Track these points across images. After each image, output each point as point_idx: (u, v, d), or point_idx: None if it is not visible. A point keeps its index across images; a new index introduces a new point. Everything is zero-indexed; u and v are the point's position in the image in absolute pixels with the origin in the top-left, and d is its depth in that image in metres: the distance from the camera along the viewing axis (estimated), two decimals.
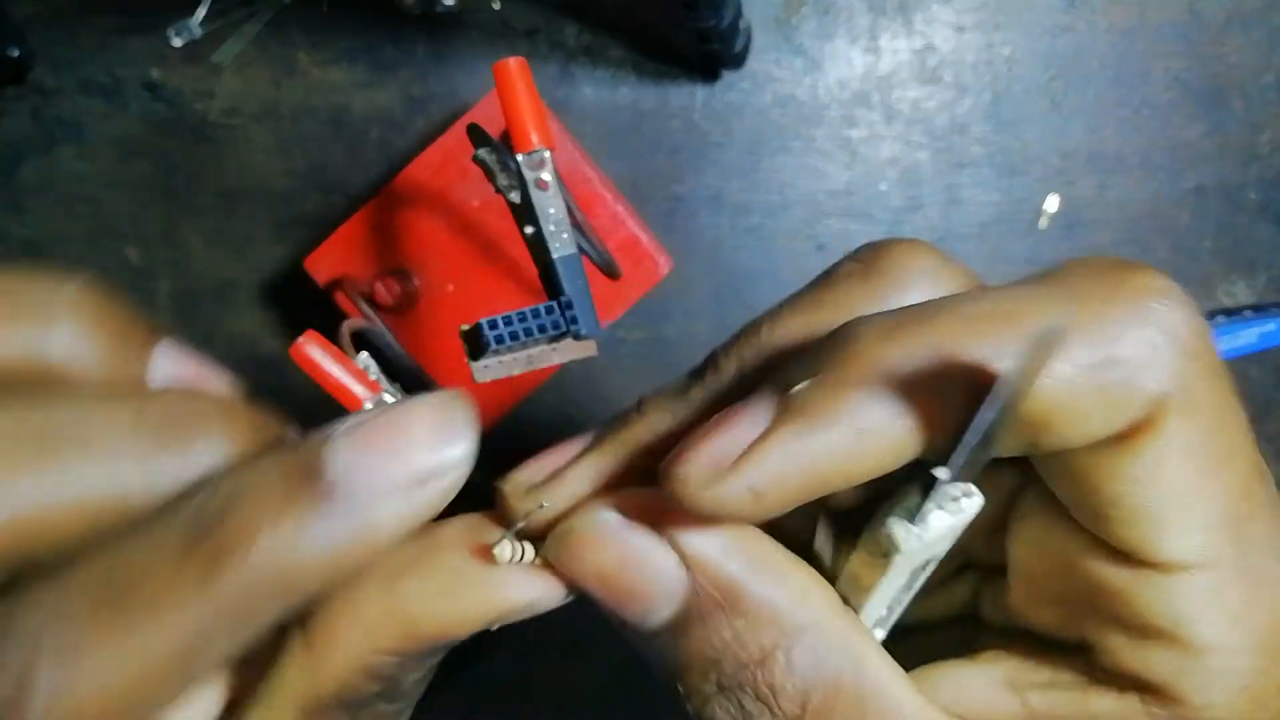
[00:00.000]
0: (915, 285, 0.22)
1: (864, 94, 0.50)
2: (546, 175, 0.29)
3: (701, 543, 0.21)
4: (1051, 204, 0.50)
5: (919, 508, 0.19)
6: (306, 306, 0.50)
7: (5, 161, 0.51)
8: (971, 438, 0.17)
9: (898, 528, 0.19)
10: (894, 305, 0.21)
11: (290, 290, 0.51)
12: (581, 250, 0.31)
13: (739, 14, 0.45)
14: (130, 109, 0.51)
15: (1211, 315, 0.51)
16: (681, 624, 0.21)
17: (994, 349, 0.18)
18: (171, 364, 0.22)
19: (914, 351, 0.19)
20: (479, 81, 0.50)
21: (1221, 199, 0.51)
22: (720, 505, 0.19)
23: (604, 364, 0.52)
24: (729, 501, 0.19)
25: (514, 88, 0.29)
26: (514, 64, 0.29)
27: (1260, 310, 0.51)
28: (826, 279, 0.23)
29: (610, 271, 0.40)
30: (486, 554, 0.21)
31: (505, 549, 0.21)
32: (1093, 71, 0.50)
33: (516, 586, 0.22)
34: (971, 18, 0.50)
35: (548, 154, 0.29)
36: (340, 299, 0.43)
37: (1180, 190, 0.51)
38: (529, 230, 0.30)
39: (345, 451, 0.18)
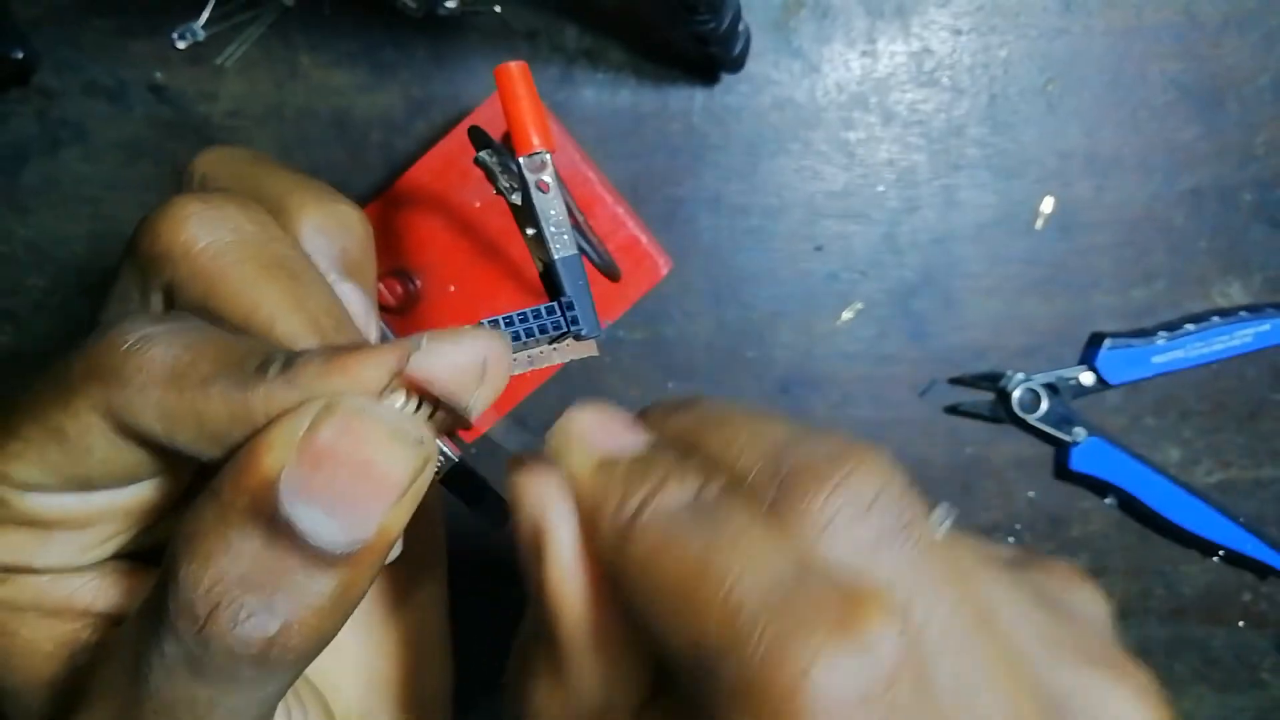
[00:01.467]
0: None
1: (861, 97, 0.51)
2: (547, 177, 0.29)
3: None
4: (1047, 205, 0.51)
5: None
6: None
7: (9, 163, 0.51)
8: None
9: None
10: None
11: None
12: (582, 251, 0.31)
13: (738, 17, 0.45)
14: (134, 111, 0.51)
15: (1207, 316, 0.51)
16: None
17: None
18: (347, 300, 0.27)
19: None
20: (480, 84, 0.50)
21: (1217, 200, 0.51)
22: None
23: (604, 364, 0.52)
24: None
25: (515, 91, 0.29)
26: (515, 67, 0.30)
27: (1255, 311, 0.51)
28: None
29: (610, 273, 0.40)
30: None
31: (397, 397, 0.22)
32: (1089, 74, 0.51)
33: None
34: (968, 21, 0.50)
35: (549, 156, 0.29)
36: None
37: (1176, 192, 0.51)
38: (530, 232, 0.30)
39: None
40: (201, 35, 0.50)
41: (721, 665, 0.19)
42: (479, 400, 0.23)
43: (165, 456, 0.23)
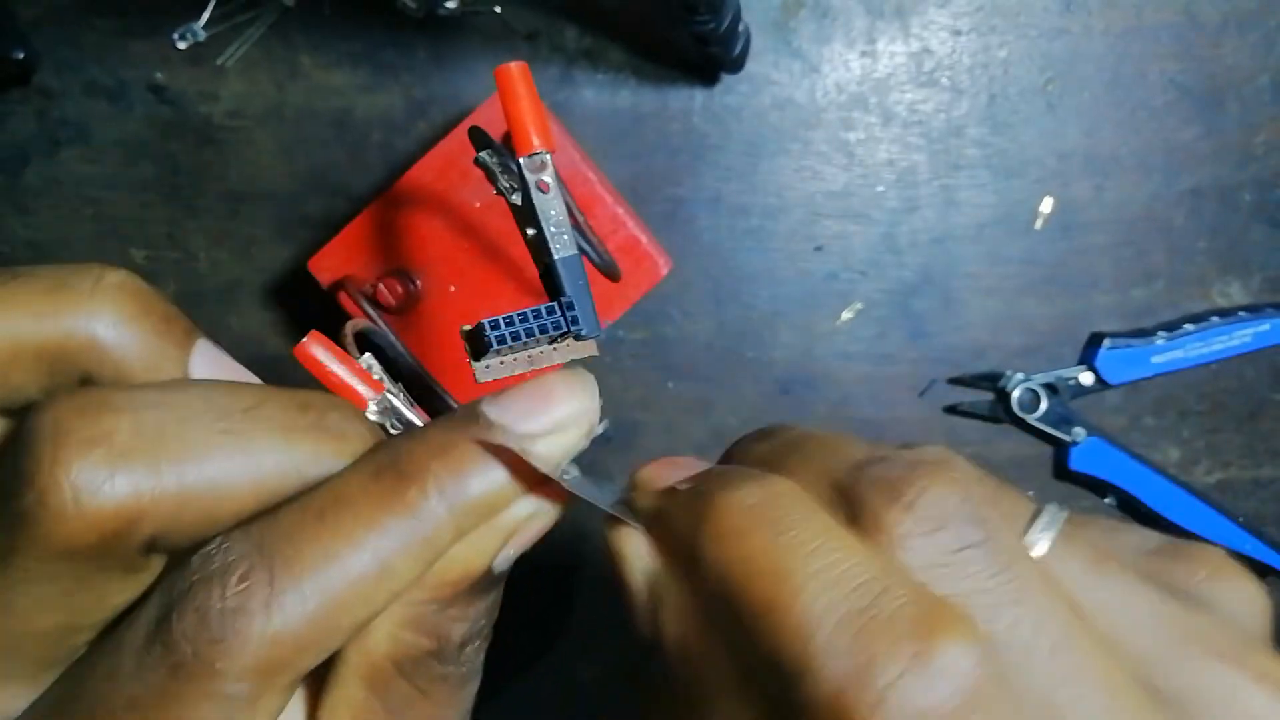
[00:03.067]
0: None
1: (861, 97, 0.51)
2: (547, 177, 0.29)
3: None
4: (1046, 206, 0.51)
5: None
6: (310, 307, 0.51)
7: (10, 163, 0.52)
8: None
9: None
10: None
11: (294, 291, 0.52)
12: (582, 252, 0.31)
13: (738, 18, 0.45)
14: (135, 111, 0.51)
15: (1206, 316, 0.51)
16: None
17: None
18: (209, 362, 0.24)
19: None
20: (480, 84, 0.50)
21: (1217, 200, 0.51)
22: None
23: (604, 364, 0.52)
24: None
25: (515, 91, 0.29)
26: (515, 68, 0.30)
27: (1254, 311, 0.51)
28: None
29: (610, 273, 0.40)
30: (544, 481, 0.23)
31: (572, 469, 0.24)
32: (1089, 74, 0.51)
33: (518, 500, 0.23)
34: (968, 21, 0.50)
35: (549, 156, 0.29)
36: (343, 300, 0.44)
37: (1176, 192, 0.51)
38: (530, 232, 0.30)
39: (498, 406, 0.23)
40: (202, 35, 0.50)
41: (801, 683, 0.19)
42: None
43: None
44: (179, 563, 0.21)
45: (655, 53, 0.50)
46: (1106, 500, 0.53)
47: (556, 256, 0.30)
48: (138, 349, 0.23)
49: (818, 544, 0.20)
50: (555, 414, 0.23)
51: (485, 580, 0.23)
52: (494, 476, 0.22)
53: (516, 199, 0.30)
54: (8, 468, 0.20)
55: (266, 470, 0.22)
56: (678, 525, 0.22)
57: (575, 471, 0.24)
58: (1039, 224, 0.51)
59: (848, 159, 0.51)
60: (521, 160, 0.30)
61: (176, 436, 0.21)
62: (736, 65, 0.49)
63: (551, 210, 0.30)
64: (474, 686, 0.25)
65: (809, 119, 0.51)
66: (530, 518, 0.23)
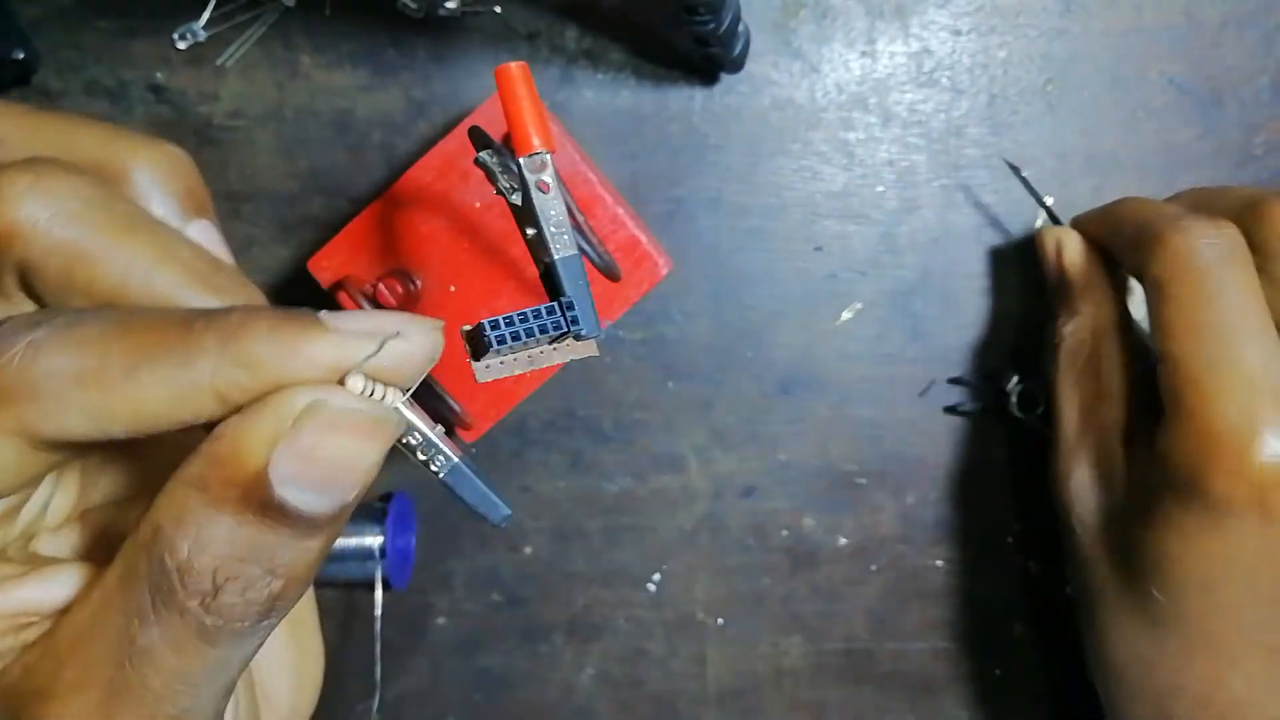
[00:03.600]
0: None
1: (861, 97, 0.51)
2: (547, 178, 0.29)
3: None
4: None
5: None
6: (311, 307, 0.51)
7: None
8: None
9: None
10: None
11: (294, 291, 0.52)
12: (582, 252, 0.31)
13: (738, 18, 0.45)
14: (135, 111, 0.51)
15: None
16: None
17: None
18: (201, 232, 0.29)
19: None
20: (480, 84, 0.51)
21: None
22: None
23: (604, 363, 0.52)
24: None
25: (515, 91, 0.29)
26: (515, 68, 0.30)
27: None
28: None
29: (610, 273, 0.40)
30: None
31: (357, 381, 0.24)
32: (1088, 74, 0.51)
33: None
34: (968, 21, 0.50)
35: (549, 157, 0.30)
36: (343, 300, 0.44)
37: (1174, 191, 0.51)
38: (530, 232, 0.30)
39: (334, 316, 0.24)
40: (202, 36, 0.50)
41: (1147, 253, 0.39)
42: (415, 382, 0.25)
43: (71, 449, 0.24)
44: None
45: (655, 53, 0.50)
46: None
47: (556, 256, 0.30)
48: (157, 197, 0.27)
49: (1165, 208, 0.44)
50: (373, 323, 0.24)
51: (262, 496, 0.22)
52: (277, 338, 0.22)
53: (516, 199, 0.30)
54: None
55: (137, 274, 0.25)
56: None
57: (401, 407, 0.25)
58: (1039, 223, 0.51)
59: (848, 159, 0.51)
60: (522, 160, 0.30)
61: (104, 211, 0.25)
62: (736, 65, 0.49)
63: (551, 210, 0.30)
64: (220, 670, 0.23)
65: (809, 119, 0.51)
66: (305, 415, 0.22)
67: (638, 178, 0.51)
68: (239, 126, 0.51)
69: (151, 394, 0.22)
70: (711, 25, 0.43)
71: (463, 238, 0.45)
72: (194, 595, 0.22)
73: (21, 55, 0.49)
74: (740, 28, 0.47)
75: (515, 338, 0.28)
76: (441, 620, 0.55)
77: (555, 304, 0.29)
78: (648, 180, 0.51)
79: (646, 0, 0.49)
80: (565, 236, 0.30)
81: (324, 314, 0.24)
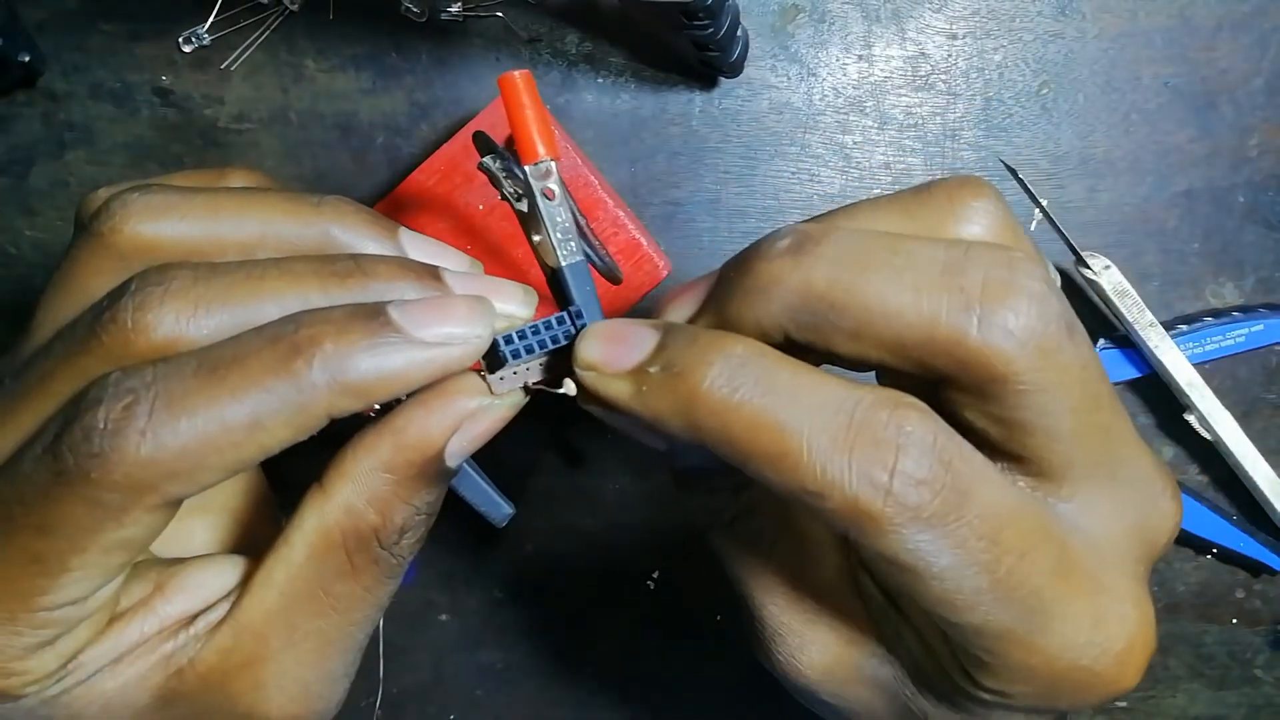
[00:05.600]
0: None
1: (858, 101, 0.51)
2: (553, 185, 0.30)
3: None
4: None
5: None
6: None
7: (17, 165, 0.52)
8: None
9: None
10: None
11: None
12: (585, 256, 0.31)
13: (736, 23, 0.46)
14: (140, 114, 0.51)
15: (1200, 316, 0.52)
16: None
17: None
18: (411, 240, 0.31)
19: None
20: (483, 88, 0.51)
21: (1210, 202, 0.52)
22: None
23: None
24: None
25: (520, 100, 0.30)
26: (520, 76, 0.30)
27: (1247, 311, 0.52)
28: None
29: (612, 276, 0.41)
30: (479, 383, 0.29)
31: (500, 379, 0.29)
32: (1083, 77, 0.51)
33: (471, 387, 0.29)
34: (963, 25, 0.51)
35: (554, 164, 0.30)
36: None
37: (1169, 194, 0.52)
38: (536, 238, 0.31)
39: (401, 308, 0.26)
40: (207, 39, 0.50)
41: (823, 504, 0.24)
42: None
43: None
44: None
45: (655, 57, 0.51)
46: None
47: (564, 263, 0.30)
48: (359, 239, 0.30)
49: (799, 386, 0.24)
50: (446, 330, 0.26)
51: (436, 467, 0.28)
52: (377, 364, 0.25)
53: (522, 206, 0.31)
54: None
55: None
56: (662, 406, 0.25)
57: (511, 378, 0.29)
58: (1033, 225, 0.52)
59: (844, 162, 0.52)
60: (527, 168, 0.30)
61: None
62: (735, 70, 0.50)
63: (558, 217, 0.30)
64: (393, 587, 0.30)
65: (806, 122, 0.51)
66: (476, 411, 0.28)
67: (637, 180, 0.52)
68: (244, 129, 0.51)
69: (277, 437, 0.25)
70: (710, 30, 0.44)
71: (466, 240, 0.46)
72: (388, 546, 0.28)
73: (27, 58, 0.49)
74: (739, 32, 0.47)
75: (529, 350, 0.29)
76: (444, 617, 0.55)
77: (565, 313, 0.30)
78: (647, 182, 0.52)
79: (647, 6, 0.50)
80: (572, 243, 0.30)
81: (392, 309, 0.26)
